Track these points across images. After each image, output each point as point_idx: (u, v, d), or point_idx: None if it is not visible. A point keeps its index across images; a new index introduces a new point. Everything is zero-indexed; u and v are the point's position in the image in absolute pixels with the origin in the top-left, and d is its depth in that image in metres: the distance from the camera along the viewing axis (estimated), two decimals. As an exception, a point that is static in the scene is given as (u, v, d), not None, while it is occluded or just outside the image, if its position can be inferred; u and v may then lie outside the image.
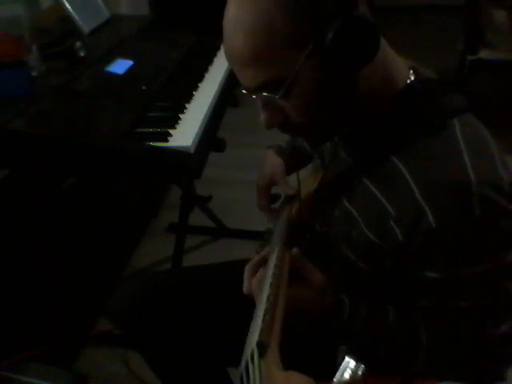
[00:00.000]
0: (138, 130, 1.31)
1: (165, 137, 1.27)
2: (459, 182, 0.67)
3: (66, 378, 1.06)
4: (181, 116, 1.39)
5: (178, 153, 1.23)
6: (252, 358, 0.56)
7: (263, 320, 0.61)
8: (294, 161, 1.09)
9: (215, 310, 1.06)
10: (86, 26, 1.73)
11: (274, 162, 1.09)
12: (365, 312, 0.78)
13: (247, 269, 0.81)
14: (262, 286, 0.71)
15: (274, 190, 1.11)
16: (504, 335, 0.75)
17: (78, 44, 1.53)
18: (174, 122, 1.35)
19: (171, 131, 1.30)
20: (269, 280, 0.71)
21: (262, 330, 0.60)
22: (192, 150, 1.24)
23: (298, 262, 0.76)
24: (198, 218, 2.10)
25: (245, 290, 0.81)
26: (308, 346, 0.89)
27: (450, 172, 0.68)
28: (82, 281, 1.64)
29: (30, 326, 1.41)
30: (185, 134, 1.30)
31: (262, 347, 0.57)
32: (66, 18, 1.72)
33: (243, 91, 0.74)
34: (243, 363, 0.58)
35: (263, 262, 0.80)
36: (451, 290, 0.73)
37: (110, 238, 1.92)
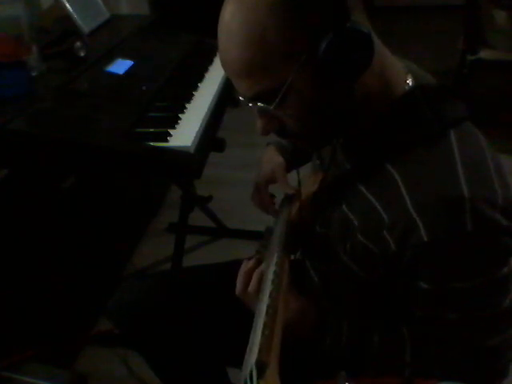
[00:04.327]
0: (138, 130, 1.31)
1: (165, 137, 1.27)
2: (452, 196, 0.66)
3: (66, 378, 1.07)
4: (181, 116, 1.39)
5: (177, 153, 1.23)
6: (251, 378, 0.56)
7: (262, 335, 0.62)
8: (294, 158, 1.09)
9: (215, 310, 1.06)
10: (86, 25, 1.73)
11: (274, 159, 1.08)
12: (348, 335, 0.80)
13: (243, 275, 0.84)
14: (262, 295, 0.71)
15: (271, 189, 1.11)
16: (494, 348, 0.76)
17: (78, 44, 1.53)
18: (173, 122, 1.35)
19: (171, 131, 1.30)
20: (268, 287, 0.71)
21: (261, 348, 0.60)
22: (192, 150, 1.24)
23: None
24: (198, 218, 2.10)
25: (237, 293, 0.84)
26: (306, 365, 0.91)
27: (444, 186, 0.67)
28: (82, 281, 1.64)
29: (30, 326, 1.41)
30: (185, 134, 1.30)
31: (261, 367, 0.57)
32: (66, 17, 1.72)
33: (240, 98, 0.74)
34: (242, 381, 0.58)
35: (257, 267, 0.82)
36: (441, 302, 0.73)
37: (110, 238, 1.92)
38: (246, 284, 0.83)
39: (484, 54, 2.75)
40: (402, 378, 0.75)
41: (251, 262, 0.86)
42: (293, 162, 1.08)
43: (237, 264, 0.88)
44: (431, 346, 0.77)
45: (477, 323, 0.73)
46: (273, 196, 1.11)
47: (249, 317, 0.72)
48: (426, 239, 0.67)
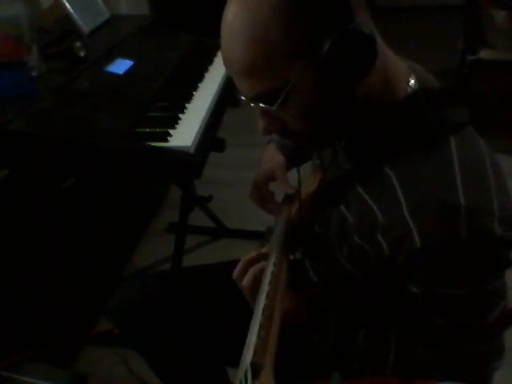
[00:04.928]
0: (138, 130, 1.31)
1: (165, 137, 1.27)
2: (448, 203, 0.66)
3: (66, 378, 1.07)
4: (181, 116, 1.39)
5: (177, 153, 1.23)
6: (246, 378, 0.57)
7: (258, 336, 0.62)
8: (294, 157, 1.09)
9: (214, 310, 1.06)
10: (85, 26, 1.73)
11: (274, 158, 1.08)
12: (335, 331, 0.81)
13: (244, 262, 0.84)
14: (259, 295, 0.71)
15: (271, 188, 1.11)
16: (480, 355, 0.76)
17: (78, 44, 1.53)
18: (173, 122, 1.35)
19: (171, 131, 1.30)
20: (265, 287, 0.71)
21: (256, 350, 0.60)
22: (192, 150, 1.24)
23: None
24: (198, 218, 2.10)
25: (234, 277, 0.84)
26: (303, 366, 0.91)
27: (440, 193, 0.67)
28: (82, 281, 1.64)
29: (30, 326, 1.41)
30: (185, 134, 1.30)
31: (256, 368, 0.57)
32: (66, 17, 1.72)
33: (242, 98, 0.74)
34: (237, 382, 0.58)
35: (259, 259, 0.82)
36: (430, 307, 0.73)
37: (110, 238, 1.92)
38: (243, 273, 0.83)
39: (484, 54, 2.75)
40: (402, 378, 0.75)
41: (255, 253, 0.85)
42: (293, 160, 1.08)
43: (237, 264, 0.88)
44: (418, 349, 0.77)
45: (464, 330, 0.73)
46: (272, 193, 1.11)
47: (249, 317, 0.72)
48: (419, 245, 0.67)
